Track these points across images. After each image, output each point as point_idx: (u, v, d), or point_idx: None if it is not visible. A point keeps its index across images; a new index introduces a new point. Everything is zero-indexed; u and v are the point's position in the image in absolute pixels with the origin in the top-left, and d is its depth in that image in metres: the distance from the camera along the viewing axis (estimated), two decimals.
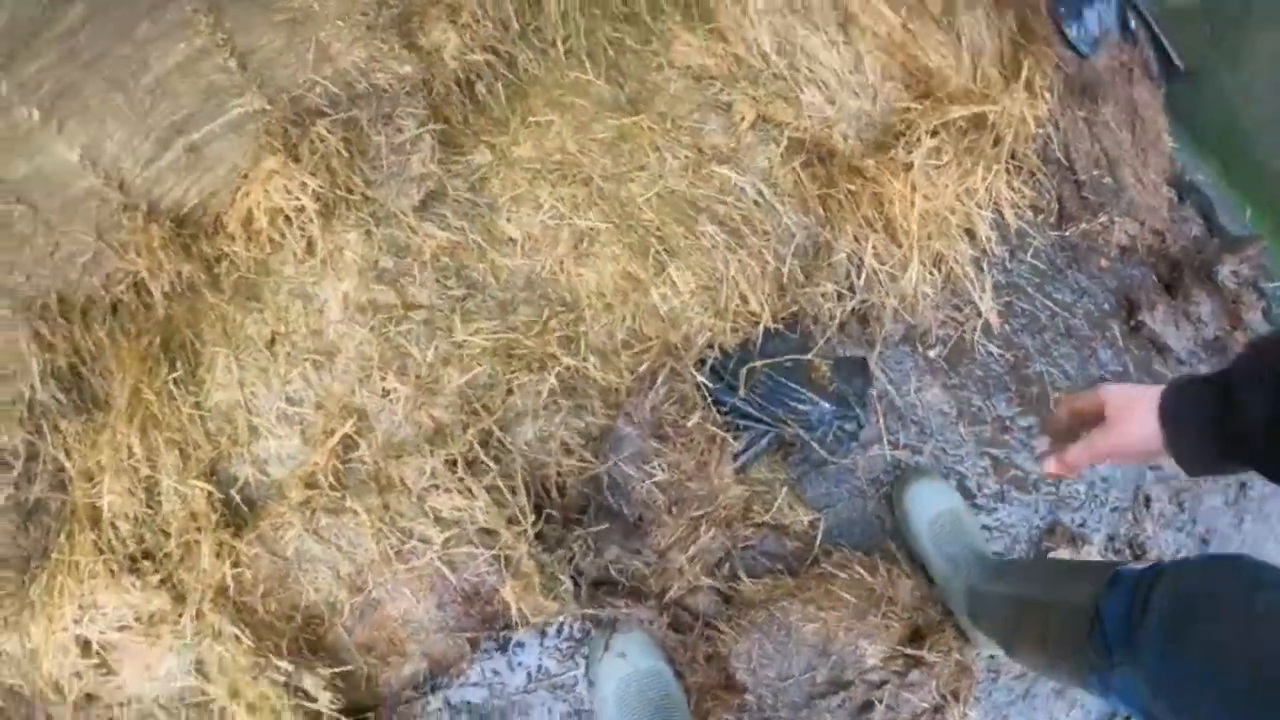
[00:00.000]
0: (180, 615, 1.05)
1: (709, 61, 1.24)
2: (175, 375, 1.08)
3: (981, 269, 1.24)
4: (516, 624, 1.07)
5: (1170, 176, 1.32)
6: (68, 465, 1.10)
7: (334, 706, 1.03)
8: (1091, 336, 1.27)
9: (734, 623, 1.09)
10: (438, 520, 1.02)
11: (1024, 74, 1.21)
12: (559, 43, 1.22)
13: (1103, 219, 1.26)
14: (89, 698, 1.08)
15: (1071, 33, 1.25)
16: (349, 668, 1.05)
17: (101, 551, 1.06)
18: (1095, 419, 0.80)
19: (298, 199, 1.05)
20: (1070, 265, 1.29)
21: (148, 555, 1.08)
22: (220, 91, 1.03)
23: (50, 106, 0.94)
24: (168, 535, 1.07)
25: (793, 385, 1.11)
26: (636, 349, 1.10)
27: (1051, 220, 1.30)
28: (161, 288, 1.11)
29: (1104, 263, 1.29)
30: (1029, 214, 1.28)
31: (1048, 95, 1.23)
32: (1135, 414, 0.76)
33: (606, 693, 1.04)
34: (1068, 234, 1.29)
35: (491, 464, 1.01)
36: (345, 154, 1.05)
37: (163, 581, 1.06)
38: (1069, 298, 1.29)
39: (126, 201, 1.06)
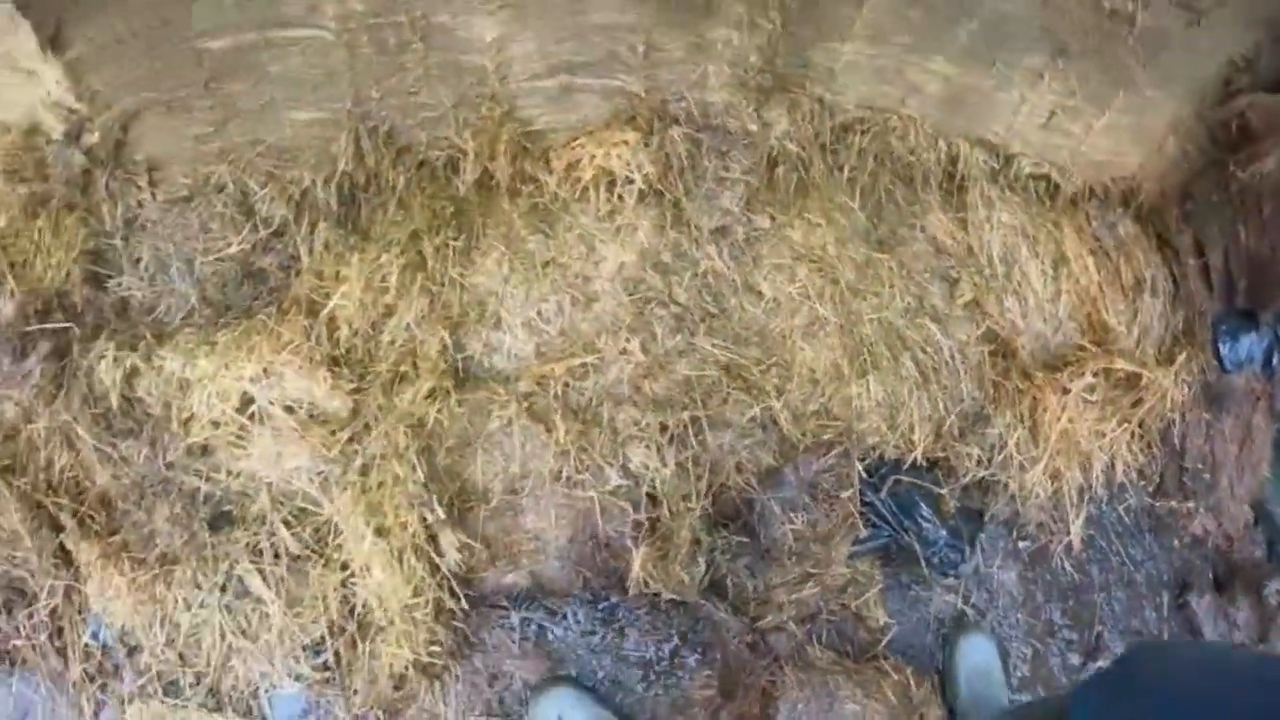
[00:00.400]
0: (344, 428, 1.22)
1: (949, 240, 1.52)
2: (455, 243, 1.29)
3: (1083, 499, 1.48)
4: (629, 587, 1.24)
5: (1255, 498, 1.57)
6: (304, 258, 1.30)
7: (455, 569, 1.19)
8: (1145, 596, 1.49)
9: (794, 674, 1.26)
10: (623, 468, 1.21)
11: (1177, 363, 1.49)
12: (846, 169, 1.50)
13: (1190, 505, 1.51)
14: (204, 448, 1.23)
15: (1224, 349, 1.53)
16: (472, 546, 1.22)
17: (308, 338, 1.24)
18: None
19: (631, 173, 1.30)
20: (1150, 531, 1.53)
21: (348, 364, 1.26)
22: (618, 61, 1.29)
23: None
24: (378, 359, 1.26)
25: (923, 506, 1.33)
26: (822, 422, 1.32)
27: (1150, 489, 1.54)
28: (474, 174, 1.32)
29: (1177, 543, 1.53)
30: (1134, 475, 1.52)
31: (1187, 388, 1.50)
32: None
33: None
34: (1158, 505, 1.53)
35: (695, 444, 1.21)
36: (682, 162, 1.31)
37: (351, 392, 1.23)
38: (1139, 556, 1.52)
39: (496, 93, 1.29)
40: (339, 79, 1.23)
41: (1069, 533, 1.47)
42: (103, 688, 1.25)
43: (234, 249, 1.25)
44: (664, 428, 1.22)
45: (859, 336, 1.38)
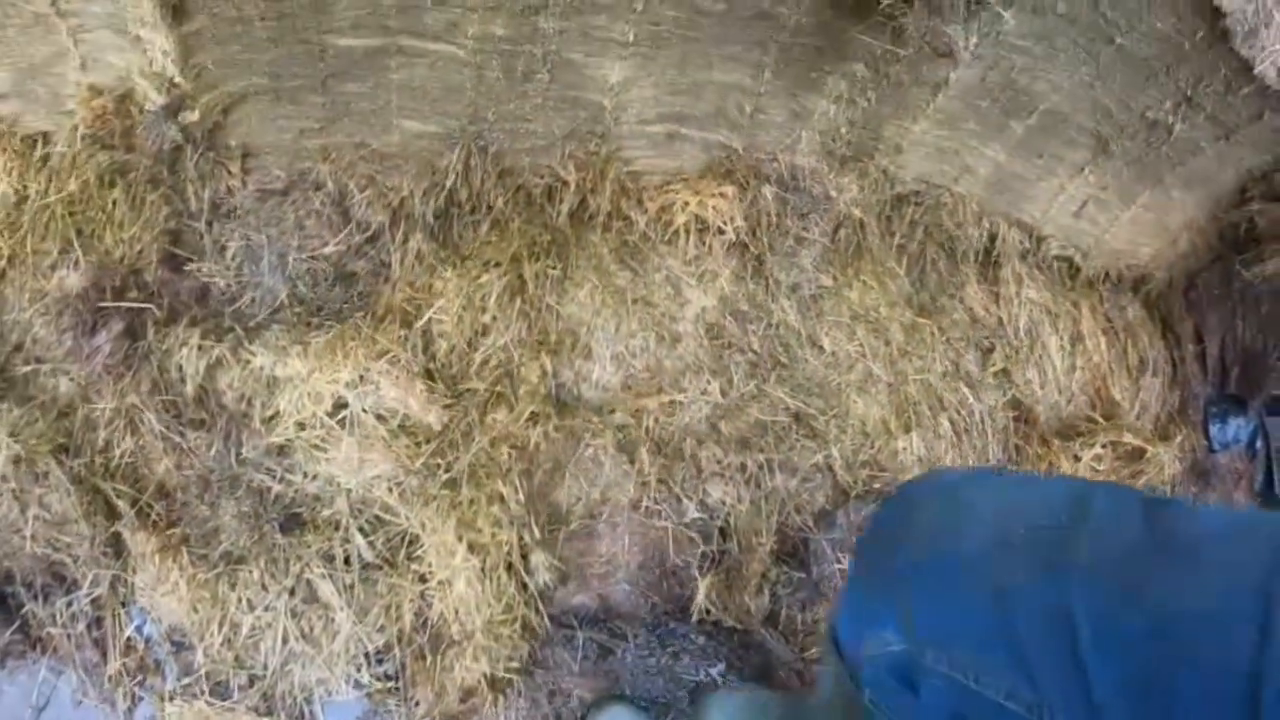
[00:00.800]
0: (431, 441, 1.24)
1: (983, 312, 1.64)
2: (553, 271, 1.33)
3: None
4: (692, 613, 1.29)
5: None
6: (396, 266, 1.31)
7: (542, 589, 1.22)
8: None
9: None
10: (701, 502, 1.27)
11: (1176, 439, 1.64)
12: (897, 236, 1.60)
13: None
14: (282, 448, 1.24)
15: (1214, 430, 1.70)
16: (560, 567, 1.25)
17: (404, 348, 1.26)
18: None
19: (724, 224, 1.36)
20: None
21: (442, 378, 1.28)
22: (724, 117, 1.36)
23: (642, 39, 1.20)
24: (471, 377, 1.28)
25: None
26: (871, 472, 1.41)
27: None
28: (571, 205, 1.37)
29: None
30: None
31: (1179, 463, 1.66)
32: None
33: None
34: None
35: (769, 484, 1.28)
36: (771, 219, 1.38)
37: (445, 407, 1.26)
38: None
39: (607, 131, 1.34)
40: (460, 96, 1.25)
41: None
42: (141, 683, 1.21)
43: (330, 249, 1.25)
44: (743, 467, 1.28)
45: (904, 395, 1.48)
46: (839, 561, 1.34)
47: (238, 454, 1.19)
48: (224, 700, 1.18)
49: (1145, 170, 1.58)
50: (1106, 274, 1.73)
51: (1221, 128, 1.51)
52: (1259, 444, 1.71)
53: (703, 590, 1.26)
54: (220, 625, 1.16)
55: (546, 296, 1.28)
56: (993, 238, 1.64)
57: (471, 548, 1.17)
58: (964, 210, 1.60)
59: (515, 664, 1.19)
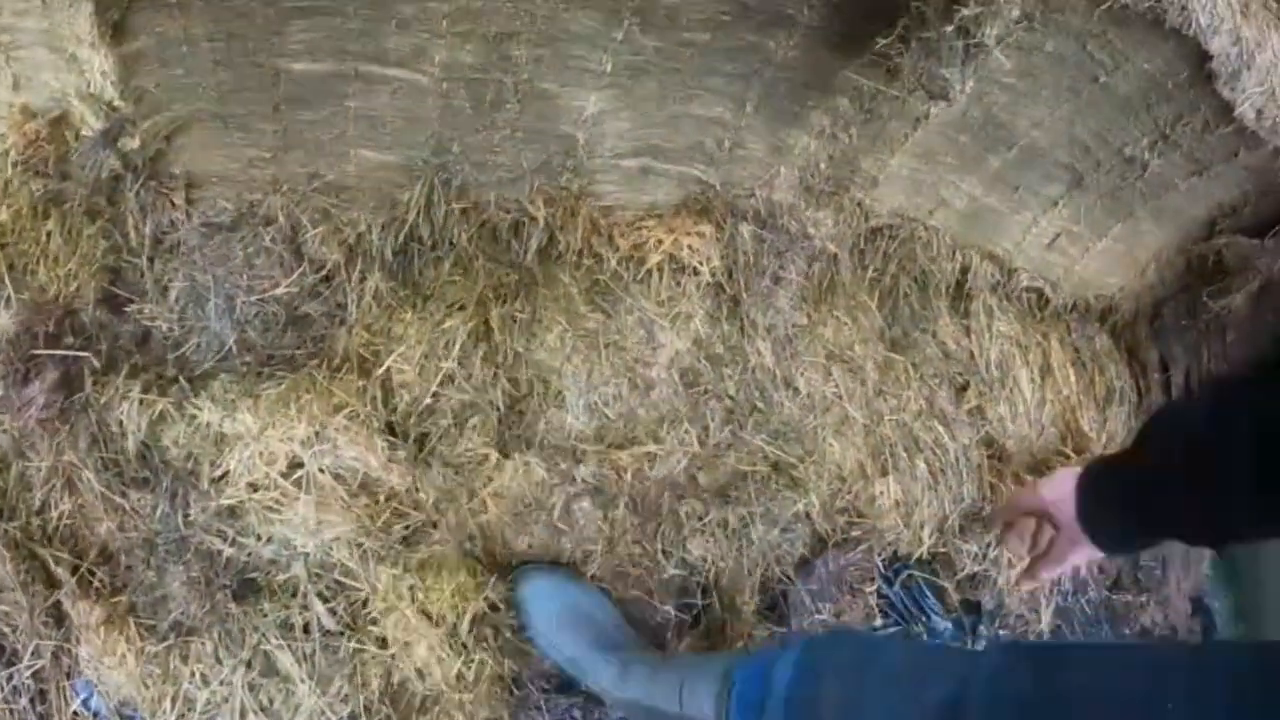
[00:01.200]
0: (390, 500, 1.17)
1: (954, 346, 1.62)
2: (521, 315, 1.26)
3: (1052, 592, 1.62)
4: None
5: (1195, 593, 1.78)
6: (353, 308, 1.23)
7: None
8: None
9: None
10: (681, 560, 1.22)
11: None
12: (870, 269, 1.57)
13: (1142, 599, 1.68)
14: (233, 509, 1.15)
15: None
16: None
17: (363, 401, 1.18)
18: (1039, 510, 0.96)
19: (700, 264, 1.31)
20: (1107, 621, 1.69)
21: (401, 432, 1.21)
22: (701, 152, 1.30)
23: (619, 69, 1.14)
24: (434, 428, 1.21)
25: (931, 599, 1.41)
26: (849, 519, 1.38)
27: (1108, 583, 1.71)
28: (540, 242, 1.29)
29: (1128, 632, 1.70)
30: (1095, 571, 1.68)
31: None
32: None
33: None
34: (1114, 598, 1.70)
35: (752, 538, 1.24)
36: (748, 258, 1.34)
37: (410, 461, 1.18)
38: None
39: (580, 165, 1.27)
40: (423, 126, 1.17)
41: (1040, 623, 1.60)
42: None
43: (281, 290, 1.16)
44: (724, 522, 1.23)
45: (880, 436, 1.45)
46: (819, 612, 1.31)
47: (185, 515, 1.10)
48: None
49: (1118, 204, 1.58)
50: (1074, 304, 1.73)
51: (1196, 164, 1.51)
52: None
53: (683, 650, 1.22)
54: (173, 701, 1.07)
55: (513, 343, 1.21)
56: (965, 270, 1.62)
57: (427, 614, 1.11)
58: (938, 243, 1.57)
59: None
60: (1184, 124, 1.44)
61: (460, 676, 1.13)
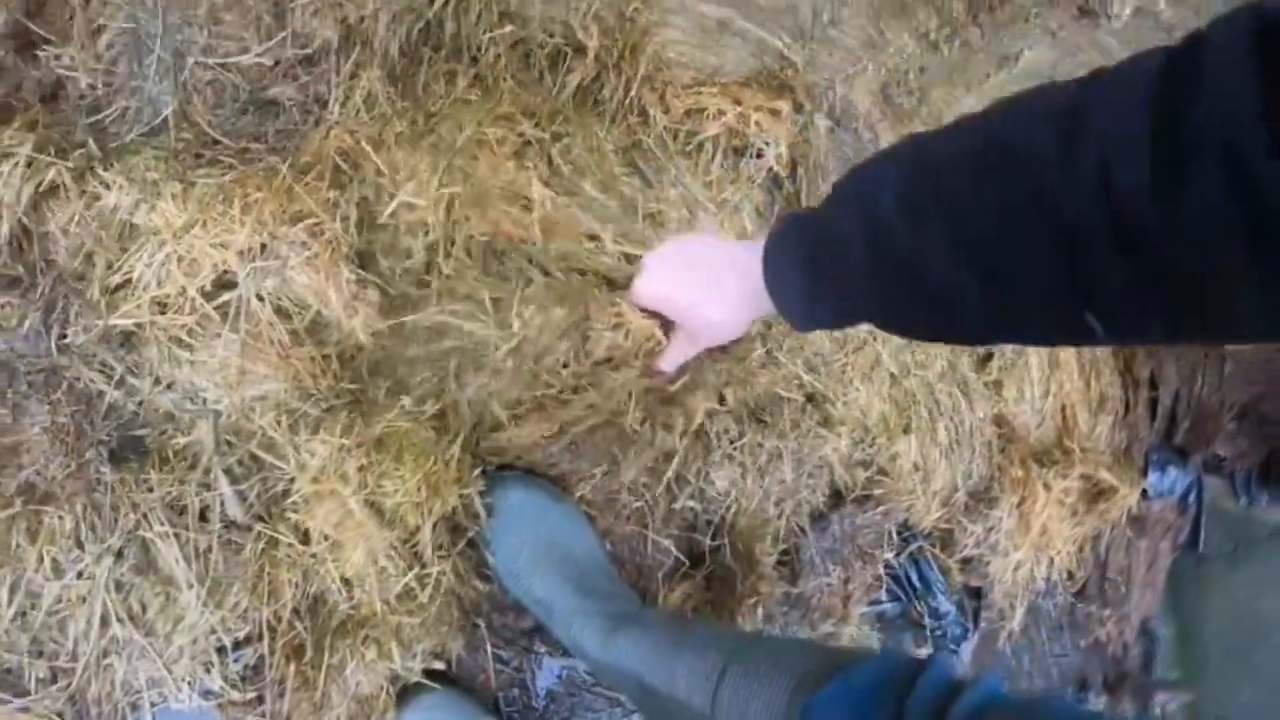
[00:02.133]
0: (346, 356, 0.90)
1: None
2: (552, 150, 0.99)
3: (1028, 591, 1.50)
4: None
5: (1145, 616, 1.71)
6: (335, 106, 0.92)
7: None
8: (1055, 688, 1.56)
9: None
10: (699, 490, 1.00)
11: (1146, 481, 1.58)
12: None
13: (1106, 612, 1.60)
14: (129, 336, 0.84)
15: (1151, 476, 1.65)
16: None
17: (333, 216, 0.89)
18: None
19: (764, 144, 1.10)
20: (1067, 629, 1.59)
21: (380, 273, 0.93)
22: (792, 20, 1.09)
23: None
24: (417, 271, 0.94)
25: (938, 576, 1.26)
26: (870, 474, 1.20)
27: (1074, 590, 1.61)
28: (582, 78, 1.00)
29: (1083, 643, 1.61)
30: (1065, 575, 1.58)
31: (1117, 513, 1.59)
32: (709, 306, 0.79)
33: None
34: (1077, 606, 1.60)
35: (780, 478, 1.03)
36: (818, 156, 1.13)
37: (380, 311, 0.91)
38: (1057, 650, 1.58)
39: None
40: None
41: (1014, 619, 1.49)
42: None
43: (249, 58, 0.85)
44: (759, 449, 1.02)
45: (905, 390, 1.28)
46: (828, 574, 1.13)
47: (61, 336, 0.78)
48: (16, 698, 0.78)
49: None
50: None
51: None
52: (1192, 499, 1.68)
53: (676, 599, 0.99)
54: (12, 592, 0.75)
55: (560, 160, 0.95)
56: None
57: (376, 509, 0.83)
58: None
59: (440, 663, 0.87)
60: None
61: (407, 594, 0.87)
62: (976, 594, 1.35)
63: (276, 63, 0.86)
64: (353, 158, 0.90)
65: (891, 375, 1.26)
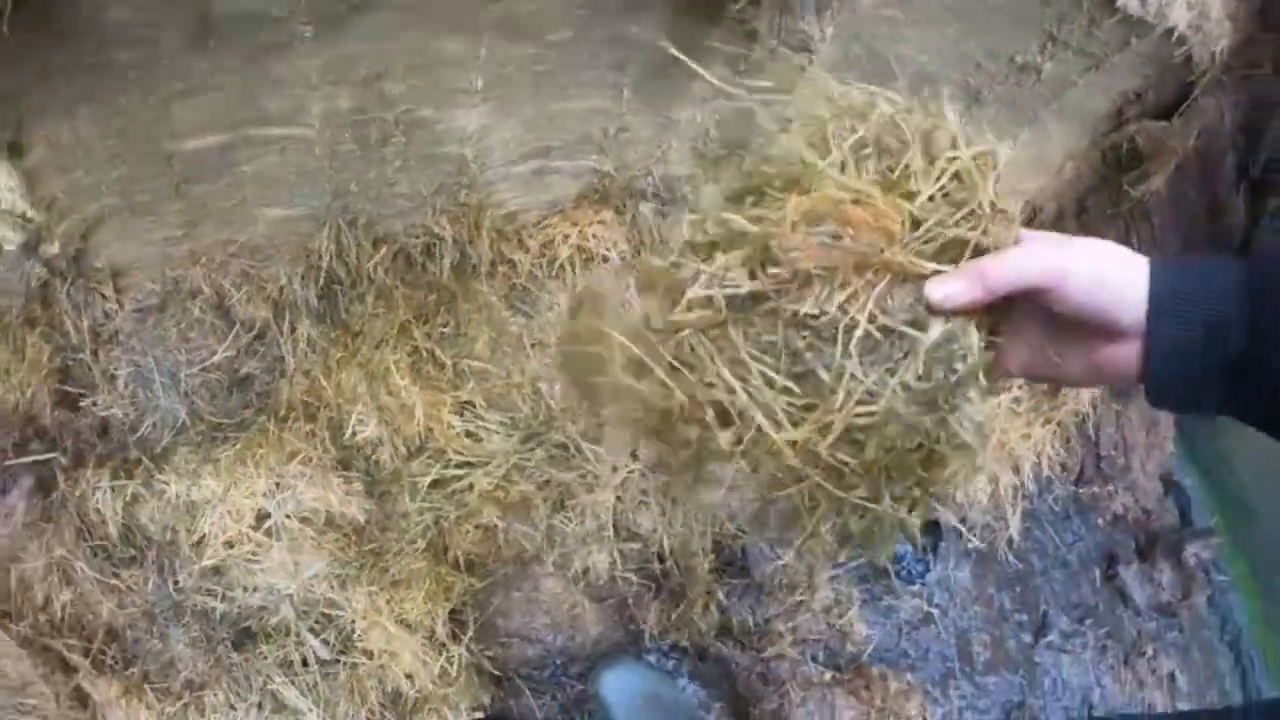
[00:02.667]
0: (361, 532, 1.41)
1: None
2: (444, 329, 1.48)
3: (1017, 497, 1.86)
4: (647, 635, 1.50)
5: (1164, 473, 2.02)
6: (290, 358, 1.45)
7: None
8: (1079, 572, 1.91)
9: (797, 694, 1.56)
10: (631, 533, 1.46)
11: None
12: None
13: (1109, 488, 1.93)
14: (216, 570, 1.39)
15: None
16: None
17: (313, 444, 1.41)
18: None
19: (608, 250, 1.52)
20: (1077, 515, 1.94)
21: (355, 464, 1.44)
22: (590, 143, 1.50)
23: (491, 83, 1.33)
24: (383, 455, 1.44)
25: None
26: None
27: (1072, 478, 1.95)
28: (452, 260, 1.51)
29: (1100, 521, 1.95)
30: (1058, 468, 1.92)
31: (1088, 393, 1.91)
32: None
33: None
34: (1080, 491, 1.94)
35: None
36: (653, 235, 1.55)
37: (365, 493, 1.41)
38: (1070, 539, 1.93)
39: (474, 180, 1.48)
40: (318, 175, 1.37)
41: (1009, 528, 1.85)
42: None
43: (219, 356, 1.38)
44: (666, 489, 1.46)
45: None
46: (779, 558, 1.56)
47: (175, 583, 1.34)
48: None
49: (1019, 111, 1.78)
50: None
51: (1090, 59, 1.71)
52: None
53: (652, 617, 1.46)
54: None
55: (443, 355, 1.43)
56: None
57: (405, 624, 1.35)
58: None
59: (479, 713, 1.38)
60: (1069, 24, 1.63)
61: (444, 673, 1.38)
62: (934, 528, 1.73)
63: (238, 350, 1.38)
64: (314, 392, 1.41)
65: None
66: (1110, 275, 0.63)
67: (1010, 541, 1.86)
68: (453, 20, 1.25)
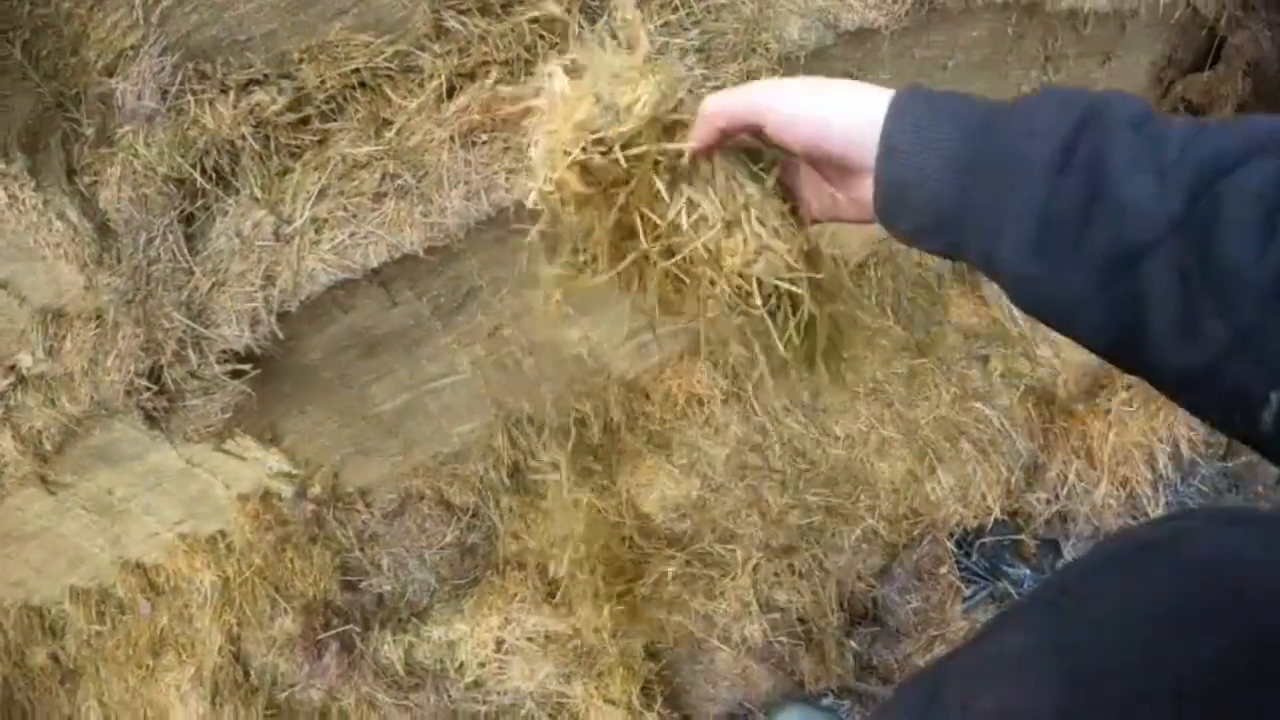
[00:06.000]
0: (569, 642, 1.95)
1: (974, 321, 2.11)
2: (604, 484, 1.99)
3: (1158, 489, 2.07)
4: (805, 683, 1.94)
5: None
6: (499, 526, 2.02)
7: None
8: None
9: None
10: (771, 605, 1.90)
11: None
12: (873, 298, 2.11)
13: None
14: (476, 683, 1.99)
15: None
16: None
17: (526, 585, 1.97)
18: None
19: (712, 391, 1.96)
20: (1231, 489, 2.10)
21: (559, 594, 1.99)
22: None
23: (582, 306, 1.85)
24: (580, 581, 1.97)
25: (1006, 554, 1.96)
26: (911, 521, 1.97)
27: (1220, 453, 2.11)
28: (601, 425, 2.02)
29: (1260, 489, 2.10)
30: (1201, 447, 2.10)
31: None
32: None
33: None
34: (1230, 464, 2.10)
35: (820, 572, 1.89)
36: (742, 371, 1.96)
37: (567, 615, 1.96)
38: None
39: (596, 366, 1.98)
40: (482, 398, 1.92)
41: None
42: None
43: (449, 537, 1.98)
44: (792, 568, 1.89)
45: (921, 440, 2.01)
46: (909, 602, 1.93)
47: (449, 697, 1.97)
48: None
49: None
50: None
51: (1099, 54, 1.88)
52: None
53: (807, 669, 1.90)
54: None
55: (605, 502, 1.95)
56: None
57: (610, 701, 1.88)
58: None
59: None
60: (1054, 41, 1.83)
61: None
62: (1054, 547, 2.01)
63: (461, 530, 1.98)
64: (521, 547, 1.98)
65: (903, 438, 2.01)
66: (834, 118, 0.65)
67: None
68: (531, 279, 1.75)
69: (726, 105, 0.69)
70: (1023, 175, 0.59)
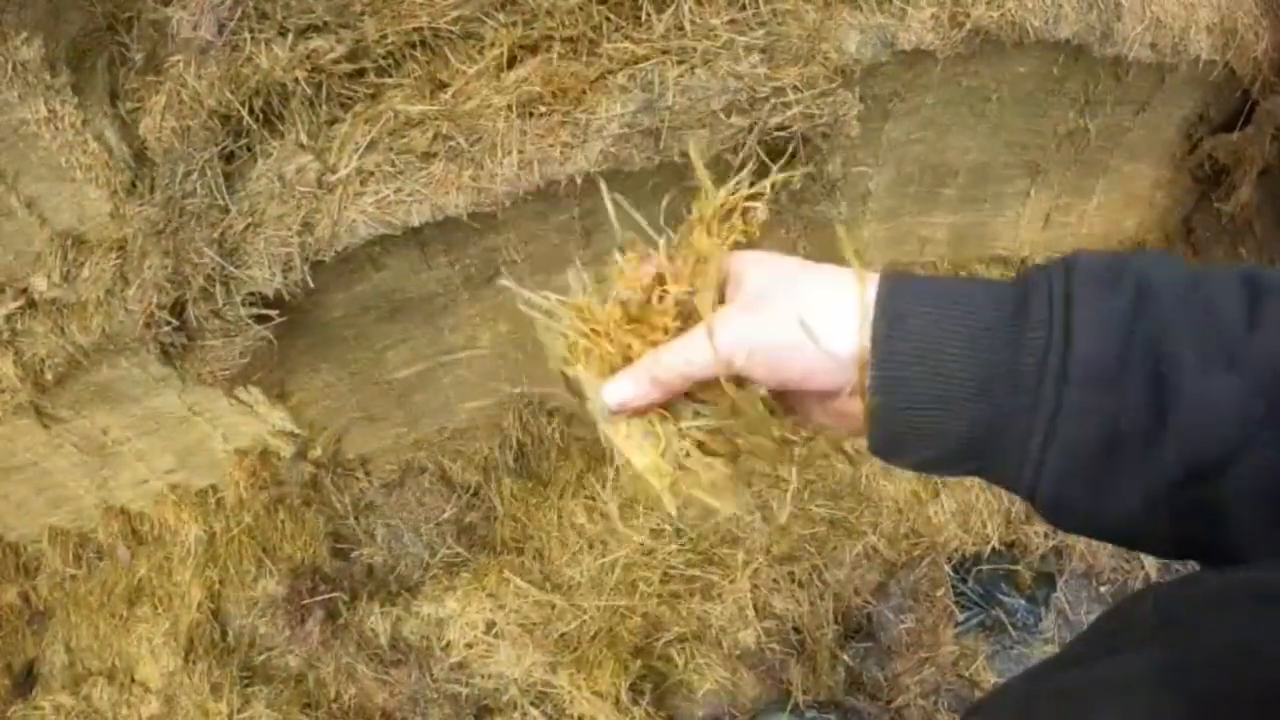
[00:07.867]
0: (560, 633, 1.93)
1: None
2: (611, 477, 1.99)
3: None
4: (794, 693, 1.94)
5: None
6: (499, 507, 2.00)
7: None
8: None
9: None
10: (769, 613, 1.90)
11: None
12: None
13: None
14: (461, 664, 1.96)
15: None
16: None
17: (519, 571, 1.95)
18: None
19: None
20: None
21: (551, 584, 1.98)
22: None
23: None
24: (576, 573, 1.96)
25: (1002, 584, 1.98)
26: (911, 541, 1.99)
27: None
28: None
29: None
30: None
31: None
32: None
33: None
34: None
35: (819, 583, 1.89)
36: None
37: (563, 599, 1.94)
38: None
39: None
40: (497, 375, 1.91)
41: (1142, 566, 2.11)
42: None
43: (447, 514, 1.96)
44: (792, 576, 1.89)
45: None
46: (903, 622, 1.94)
47: (431, 676, 1.94)
48: None
49: (1086, 167, 2.02)
50: None
51: (1134, 103, 1.93)
52: None
53: (797, 679, 1.90)
54: None
55: (608, 495, 1.94)
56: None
57: (598, 694, 1.87)
58: (938, 272, 2.11)
59: None
60: (1095, 86, 1.87)
61: None
62: (1049, 580, 2.03)
63: (460, 507, 1.96)
64: (520, 531, 1.96)
65: None
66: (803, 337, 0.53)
67: (1147, 578, 2.11)
68: (561, 260, 1.74)
69: (684, 367, 0.57)
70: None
